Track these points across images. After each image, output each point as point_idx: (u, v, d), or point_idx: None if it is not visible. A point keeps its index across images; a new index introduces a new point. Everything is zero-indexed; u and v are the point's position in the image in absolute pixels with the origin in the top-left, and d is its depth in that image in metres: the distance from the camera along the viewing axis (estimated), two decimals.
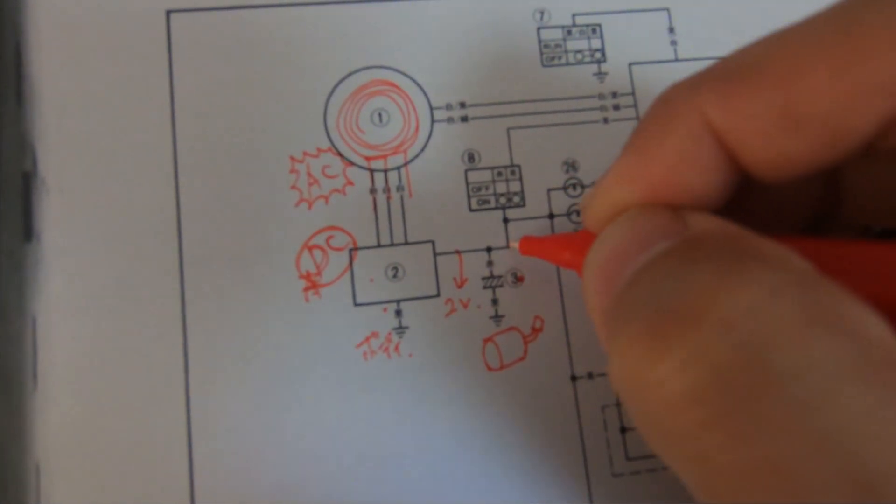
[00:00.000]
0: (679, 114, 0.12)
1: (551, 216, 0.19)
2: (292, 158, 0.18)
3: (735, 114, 0.11)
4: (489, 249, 0.18)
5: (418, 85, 0.19)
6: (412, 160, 0.19)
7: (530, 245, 0.17)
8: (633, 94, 0.20)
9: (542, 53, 0.20)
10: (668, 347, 0.10)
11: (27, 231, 0.17)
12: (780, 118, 0.11)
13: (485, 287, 0.18)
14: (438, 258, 0.18)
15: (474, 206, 0.19)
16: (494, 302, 0.18)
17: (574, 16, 0.20)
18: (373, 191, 0.18)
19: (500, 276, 0.18)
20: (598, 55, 0.20)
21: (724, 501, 0.09)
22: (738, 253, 0.10)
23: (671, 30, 0.20)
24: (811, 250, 0.11)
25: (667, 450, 0.10)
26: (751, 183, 0.13)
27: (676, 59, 0.20)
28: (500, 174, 0.19)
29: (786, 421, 0.08)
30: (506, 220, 0.19)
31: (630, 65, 0.20)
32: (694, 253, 0.11)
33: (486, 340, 0.18)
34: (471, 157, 0.19)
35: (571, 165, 0.19)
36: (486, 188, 0.19)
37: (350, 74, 0.19)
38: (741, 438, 0.09)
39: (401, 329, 0.18)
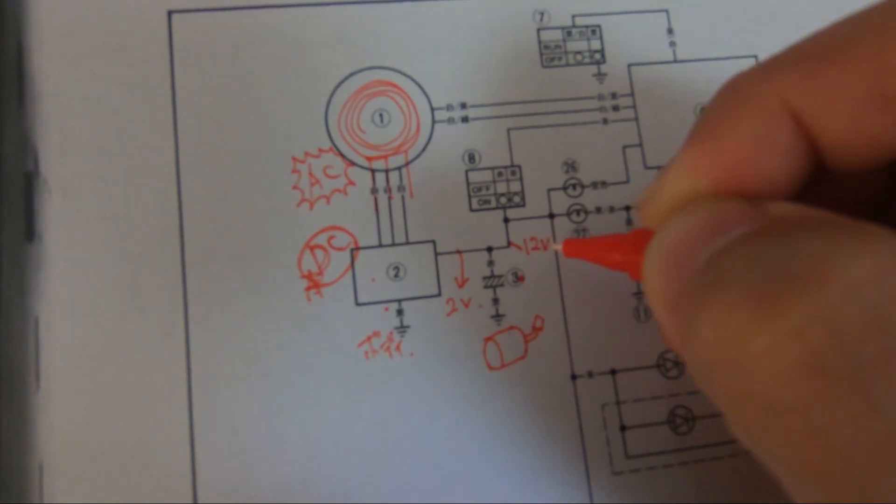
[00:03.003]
0: (754, 97, 0.11)
1: (551, 216, 0.19)
2: (294, 159, 0.18)
3: (820, 93, 0.11)
4: (490, 249, 0.19)
5: (419, 86, 0.19)
6: (413, 160, 0.19)
7: (575, 247, 0.16)
8: (632, 94, 0.20)
9: (542, 54, 0.20)
10: (780, 312, 0.09)
11: (29, 231, 0.17)
12: (868, 95, 0.10)
13: (486, 286, 0.18)
14: (439, 258, 0.18)
15: (475, 205, 0.19)
16: (495, 301, 0.18)
17: (574, 17, 0.20)
18: (374, 191, 0.18)
19: (500, 276, 0.18)
20: (597, 56, 0.20)
21: (835, 482, 0.08)
22: (849, 225, 0.09)
23: (670, 31, 0.20)
24: None
25: (767, 428, 0.09)
26: (816, 175, 0.12)
27: (675, 61, 0.20)
28: (500, 174, 0.19)
29: None
30: (506, 220, 0.19)
31: (629, 66, 0.20)
32: (800, 224, 0.10)
33: (487, 339, 0.18)
34: (471, 158, 0.19)
35: (571, 166, 0.19)
36: (487, 188, 0.19)
37: (351, 75, 0.19)
38: (868, 410, 0.08)
39: (402, 328, 0.18)
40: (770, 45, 0.21)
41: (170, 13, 0.18)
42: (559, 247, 0.17)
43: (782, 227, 0.10)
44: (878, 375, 0.08)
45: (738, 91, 0.12)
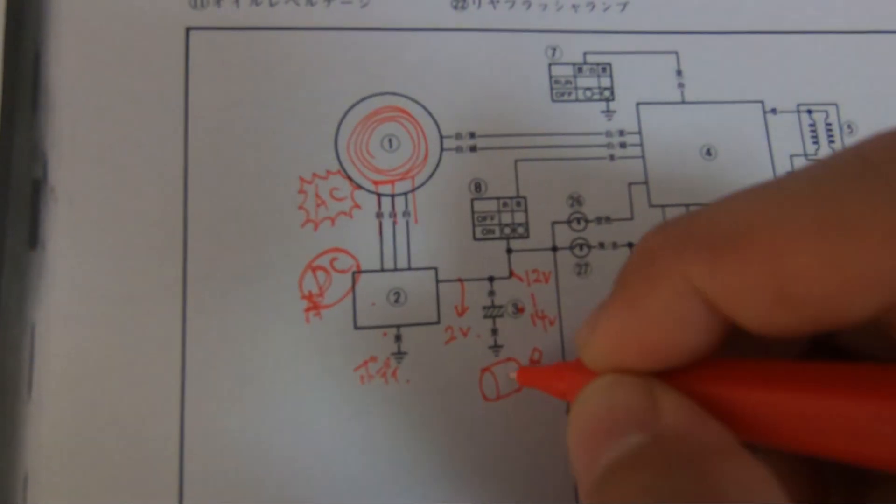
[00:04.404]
0: (664, 274, 0.12)
1: (554, 248, 0.19)
2: (301, 179, 0.18)
3: (724, 285, 0.11)
4: (491, 279, 0.19)
5: (430, 113, 0.19)
6: (420, 187, 0.19)
7: (527, 376, 0.17)
8: (639, 132, 0.20)
9: (552, 89, 0.20)
10: None
11: (32, 238, 0.17)
12: (772, 296, 0.11)
13: (485, 316, 0.18)
14: (440, 285, 0.18)
15: (479, 234, 0.19)
16: (494, 332, 0.18)
17: (585, 54, 0.20)
18: (379, 215, 0.19)
19: (500, 306, 0.18)
20: (606, 93, 0.20)
21: None
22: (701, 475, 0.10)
23: (679, 72, 0.21)
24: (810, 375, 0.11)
25: None
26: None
27: (683, 102, 0.20)
28: (505, 205, 0.19)
29: None
30: (509, 251, 0.19)
31: (638, 104, 0.20)
32: (661, 469, 0.11)
33: (484, 370, 0.18)
34: (478, 187, 0.19)
35: (576, 200, 0.19)
36: (492, 218, 0.19)
37: (363, 99, 0.19)
38: None
39: (399, 354, 0.18)
40: (776, 90, 0.21)
41: (188, 30, 0.19)
42: (514, 375, 0.17)
43: (652, 464, 0.11)
44: None
45: (652, 263, 0.12)
